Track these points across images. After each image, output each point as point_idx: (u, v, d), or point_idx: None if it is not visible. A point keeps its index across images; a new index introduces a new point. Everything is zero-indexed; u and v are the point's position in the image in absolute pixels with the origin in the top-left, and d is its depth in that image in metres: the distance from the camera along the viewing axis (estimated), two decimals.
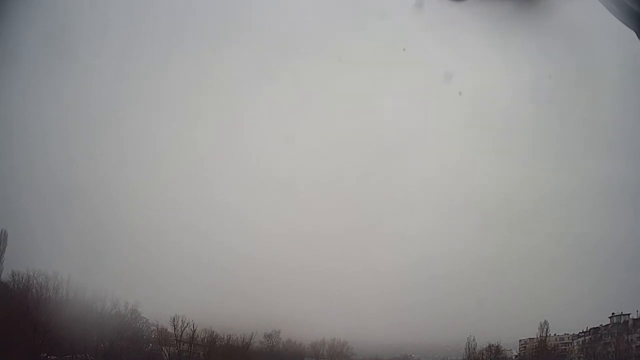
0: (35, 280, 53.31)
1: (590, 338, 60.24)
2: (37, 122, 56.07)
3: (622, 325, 58.09)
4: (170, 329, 59.32)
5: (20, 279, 53.41)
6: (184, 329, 58.70)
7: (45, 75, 55.25)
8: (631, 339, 57.06)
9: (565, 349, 62.00)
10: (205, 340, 59.91)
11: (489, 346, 61.87)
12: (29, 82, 52.73)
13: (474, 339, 61.02)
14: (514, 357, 64.63)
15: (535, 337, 62.13)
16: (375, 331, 59.62)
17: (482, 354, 61.79)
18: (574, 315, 57.88)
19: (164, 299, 57.39)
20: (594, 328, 59.69)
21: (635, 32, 7.74)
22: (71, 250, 54.94)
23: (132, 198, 59.28)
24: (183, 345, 59.27)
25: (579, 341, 61.33)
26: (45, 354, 51.26)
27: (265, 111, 63.05)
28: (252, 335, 60.79)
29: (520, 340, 64.31)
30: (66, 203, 56.68)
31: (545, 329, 61.10)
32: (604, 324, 59.22)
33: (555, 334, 61.82)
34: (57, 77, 56.42)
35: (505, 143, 61.60)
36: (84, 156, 58.74)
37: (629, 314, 57.81)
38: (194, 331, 58.89)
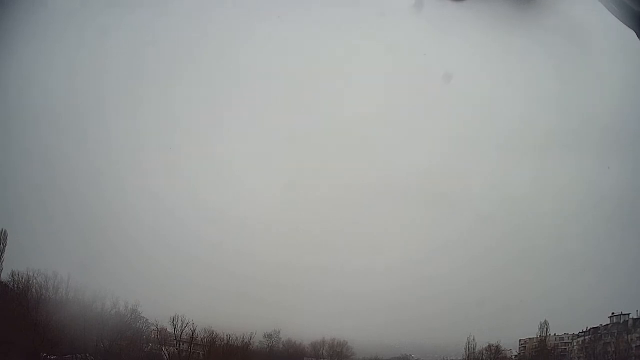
0: (35, 280, 53.36)
1: (590, 338, 60.26)
2: (37, 122, 55.94)
3: (622, 325, 58.12)
4: (170, 329, 59.44)
5: (20, 279, 53.44)
6: (184, 329, 58.86)
7: (45, 74, 55.15)
8: (631, 339, 57.10)
9: (565, 349, 62.01)
10: (205, 340, 59.98)
11: (489, 346, 61.91)
12: (28, 81, 52.64)
13: (474, 339, 61.09)
14: (514, 357, 64.60)
15: (535, 337, 62.19)
16: (375, 331, 59.58)
17: (482, 354, 61.83)
18: (574, 315, 57.83)
19: (164, 299, 57.34)
20: (594, 328, 59.69)
21: (635, 32, 7.75)
22: (71, 250, 54.82)
23: (133, 199, 59.13)
24: (183, 345, 59.34)
25: (579, 341, 61.34)
26: (45, 354, 51.33)
27: (265, 111, 62.90)
28: (252, 335, 60.86)
29: (520, 340, 64.26)
30: (67, 203, 56.58)
31: (545, 329, 61.17)
32: (604, 324, 59.28)
33: (555, 334, 61.84)
34: (57, 76, 56.34)
35: (505, 143, 61.47)
36: (85, 156, 58.55)
37: (629, 314, 57.86)
38: (193, 331, 59.00)
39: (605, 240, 56.16)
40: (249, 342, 60.83)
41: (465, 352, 61.70)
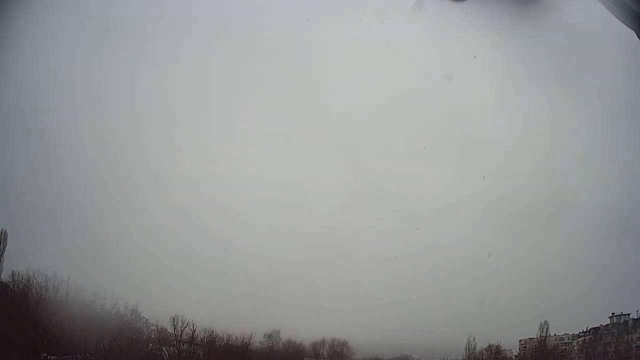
0: (35, 280, 53.32)
1: (590, 338, 60.28)
2: (37, 122, 55.96)
3: (622, 325, 58.13)
4: (170, 329, 59.46)
5: (20, 279, 53.42)
6: (184, 329, 58.88)
7: (45, 74, 55.16)
8: (631, 339, 57.11)
9: (565, 349, 62.02)
10: (205, 340, 59.99)
11: (489, 346, 61.92)
12: (28, 82, 52.60)
13: (474, 339, 61.11)
14: (514, 357, 64.61)
15: (535, 337, 62.20)
16: (376, 331, 59.58)
17: (482, 354, 61.83)
18: (574, 315, 57.85)
19: (163, 299, 57.35)
20: (594, 328, 59.71)
21: (635, 32, 7.75)
22: (71, 250, 54.85)
23: (133, 198, 59.16)
24: (183, 345, 59.34)
25: (579, 341, 61.35)
26: (45, 354, 51.31)
27: (264, 111, 62.90)
28: (252, 335, 60.85)
29: (520, 340, 64.28)
30: (66, 203, 56.58)
31: (545, 329, 61.19)
32: (604, 324, 59.30)
33: (555, 334, 61.84)
34: (57, 76, 56.34)
35: (504, 144, 61.46)
36: (84, 156, 58.57)
37: (629, 314, 57.88)
38: (193, 331, 59.02)
39: (606, 241, 56.27)
40: (249, 342, 60.90)
41: (465, 352, 61.79)
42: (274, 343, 64.36)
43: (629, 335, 57.23)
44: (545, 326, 60.78)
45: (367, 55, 59.57)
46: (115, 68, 58.21)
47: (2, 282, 53.57)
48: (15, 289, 53.68)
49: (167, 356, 59.37)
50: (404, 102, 60.22)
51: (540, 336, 61.67)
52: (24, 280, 53.37)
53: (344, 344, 64.79)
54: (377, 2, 51.76)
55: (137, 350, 57.88)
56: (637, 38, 7.80)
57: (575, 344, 61.60)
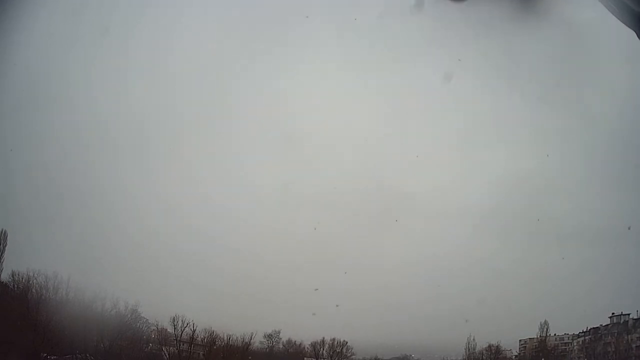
0: (35, 280, 53.38)
1: (590, 338, 60.28)
2: (36, 123, 55.97)
3: (622, 325, 58.15)
4: (170, 329, 59.52)
5: (20, 279, 53.49)
6: (184, 329, 58.93)
7: (44, 74, 55.18)
8: (631, 339, 57.12)
9: (565, 349, 62.03)
10: (205, 340, 60.05)
11: (489, 346, 61.94)
12: (27, 82, 52.63)
13: (473, 339, 61.11)
14: (514, 357, 64.62)
15: (535, 337, 62.24)
16: (376, 331, 59.61)
17: (482, 354, 61.84)
18: (574, 315, 57.86)
19: (163, 299, 57.38)
20: (594, 328, 59.72)
21: (635, 32, 7.76)
22: (71, 250, 54.88)
23: (132, 199, 59.17)
24: (183, 345, 59.39)
25: (579, 341, 61.35)
26: (45, 354, 51.35)
27: (263, 112, 62.95)
28: (252, 335, 60.89)
29: (520, 340, 64.30)
30: (66, 203, 56.60)
31: (545, 329, 61.24)
32: (604, 324, 59.31)
33: (555, 334, 61.87)
34: (55, 76, 56.36)
35: (504, 144, 61.53)
36: (84, 157, 58.57)
37: (629, 314, 57.91)
38: (193, 331, 59.09)
39: (605, 240, 56.27)
40: (249, 342, 60.96)
41: (465, 352, 61.82)
42: (274, 343, 64.47)
43: (629, 335, 57.23)
44: (545, 326, 60.90)
45: (365, 57, 59.62)
46: (114, 68, 58.24)
47: (2, 282, 53.62)
48: (15, 289, 53.73)
49: (167, 356, 59.40)
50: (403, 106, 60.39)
51: (540, 336, 61.71)
52: (24, 280, 53.49)
53: (344, 344, 64.84)
54: (376, 3, 51.75)
55: (137, 350, 57.90)
56: (637, 38, 7.80)
57: (575, 344, 61.59)
